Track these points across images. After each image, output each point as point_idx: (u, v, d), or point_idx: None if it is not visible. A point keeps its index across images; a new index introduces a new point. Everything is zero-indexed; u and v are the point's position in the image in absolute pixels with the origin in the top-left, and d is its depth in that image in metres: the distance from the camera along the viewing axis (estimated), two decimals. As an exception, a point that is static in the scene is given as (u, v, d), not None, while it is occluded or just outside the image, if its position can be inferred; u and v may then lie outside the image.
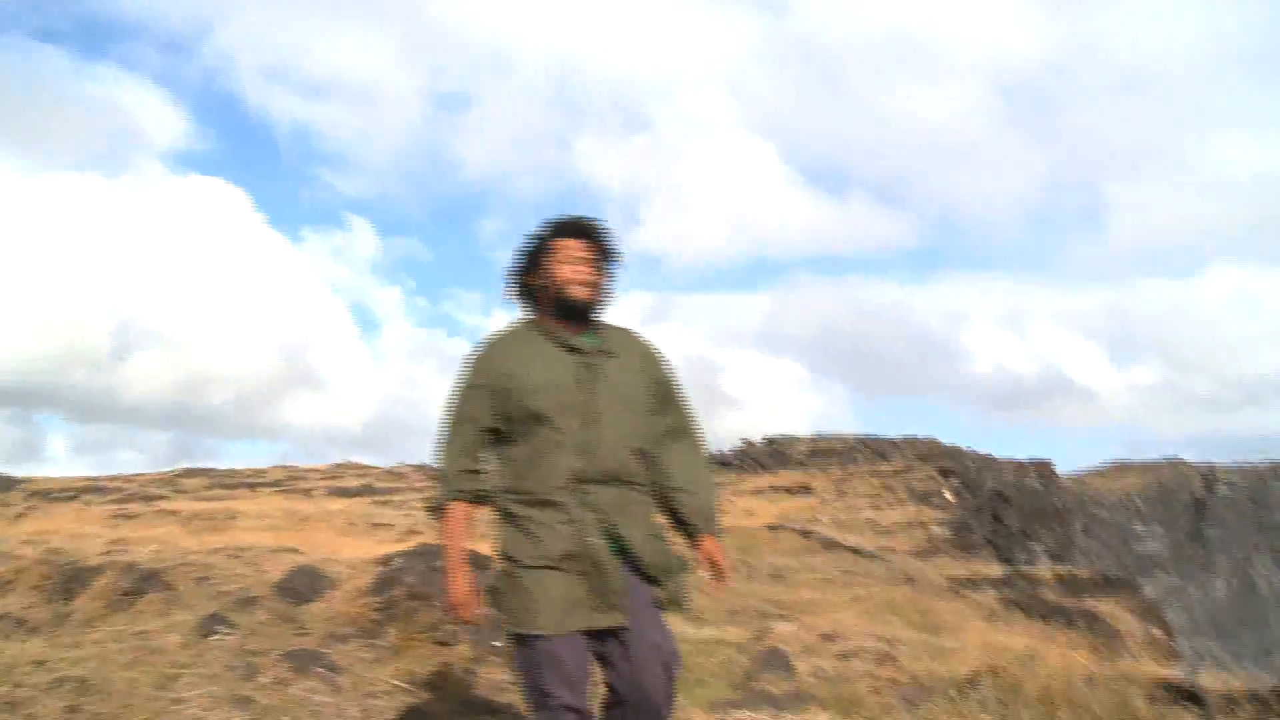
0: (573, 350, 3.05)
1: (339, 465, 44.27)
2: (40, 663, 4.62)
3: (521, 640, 2.91)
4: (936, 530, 23.90)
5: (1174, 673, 5.67)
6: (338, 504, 27.98)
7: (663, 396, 3.19)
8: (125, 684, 4.53)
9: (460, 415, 3.09)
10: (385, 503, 30.76)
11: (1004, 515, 29.64)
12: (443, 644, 5.67)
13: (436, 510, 3.09)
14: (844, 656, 6.48)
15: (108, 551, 6.79)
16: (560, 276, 3.06)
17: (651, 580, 3.02)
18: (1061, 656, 5.91)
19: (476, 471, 3.08)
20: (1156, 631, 12.57)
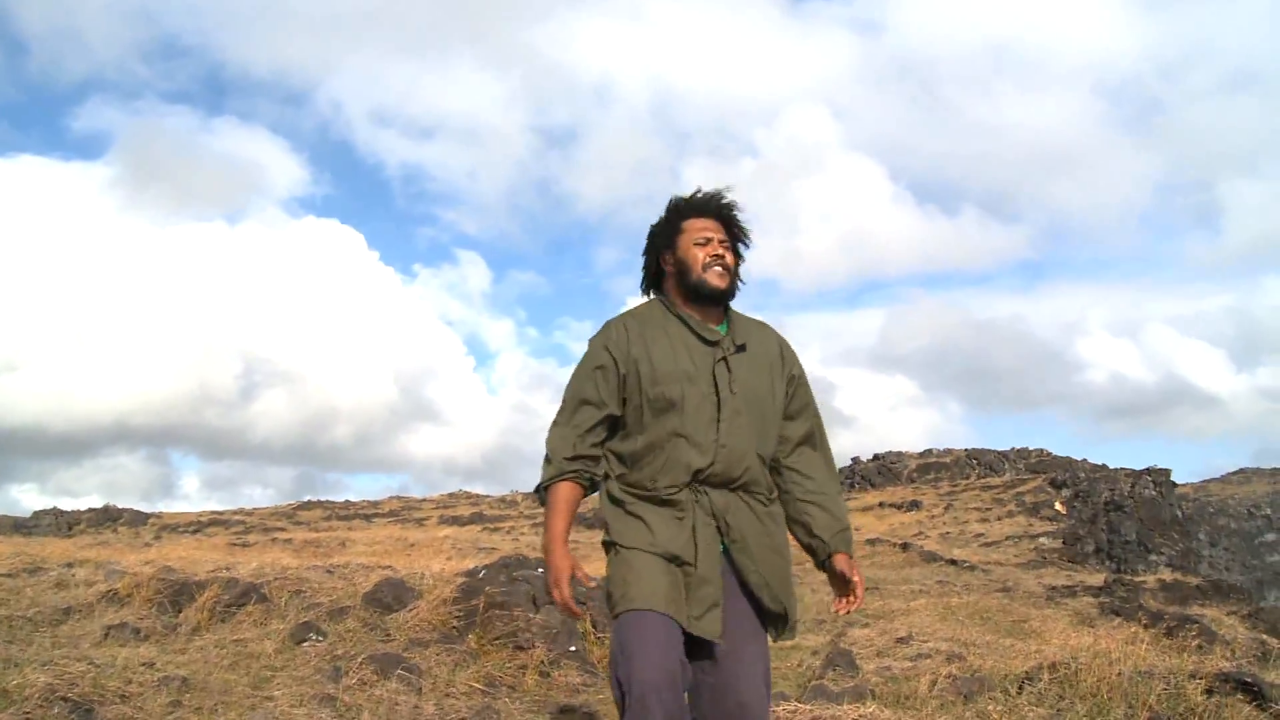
0: (707, 341, 2.86)
1: (452, 495, 45.44)
2: (149, 664, 5.07)
3: (621, 619, 2.67)
4: (1046, 542, 23.48)
5: (1235, 667, 5.65)
6: (447, 531, 28.80)
7: (796, 400, 3.00)
8: (222, 684, 4.95)
9: (580, 396, 2.88)
10: (495, 529, 31.53)
11: (1119, 525, 28.85)
12: (520, 648, 5.98)
13: (541, 491, 2.87)
14: (915, 658, 6.59)
15: (215, 570, 7.30)
16: (694, 260, 2.90)
17: (763, 603, 2.82)
18: (1126, 653, 5.94)
19: (589, 457, 2.87)
20: (1267, 638, 12.19)
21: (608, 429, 2.90)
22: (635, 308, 3.02)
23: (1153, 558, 29.16)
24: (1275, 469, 50.51)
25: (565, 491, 2.85)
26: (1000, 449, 38.24)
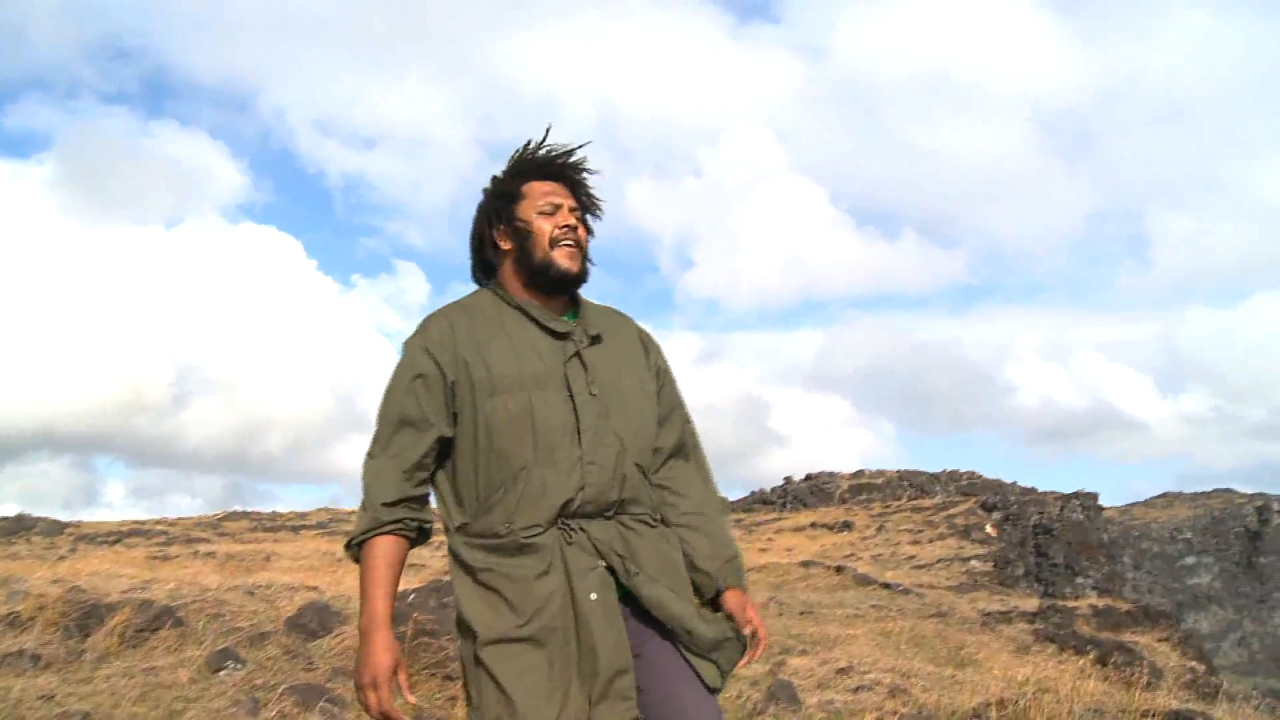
0: (555, 334, 2.27)
1: (381, 506, 44.62)
2: (48, 697, 4.72)
3: None
4: (977, 565, 23.63)
5: (1185, 705, 5.58)
6: (376, 544, 28.24)
7: (663, 401, 2.43)
8: (129, 717, 4.62)
9: (397, 417, 2.22)
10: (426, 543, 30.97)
11: (1048, 549, 29.18)
12: (450, 679, 5.71)
13: (354, 548, 2.21)
14: (856, 690, 6.44)
15: (129, 590, 6.92)
16: (539, 234, 2.31)
17: (688, 645, 2.22)
18: (1074, 688, 5.84)
19: (415, 499, 2.23)
20: (1196, 665, 12.30)
21: (437, 456, 2.25)
22: (461, 299, 2.38)
23: (1080, 580, 29.53)
24: (1197, 494, 51.64)
25: (386, 550, 2.18)
26: (932, 471, 38.51)
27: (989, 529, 28.50)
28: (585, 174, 2.44)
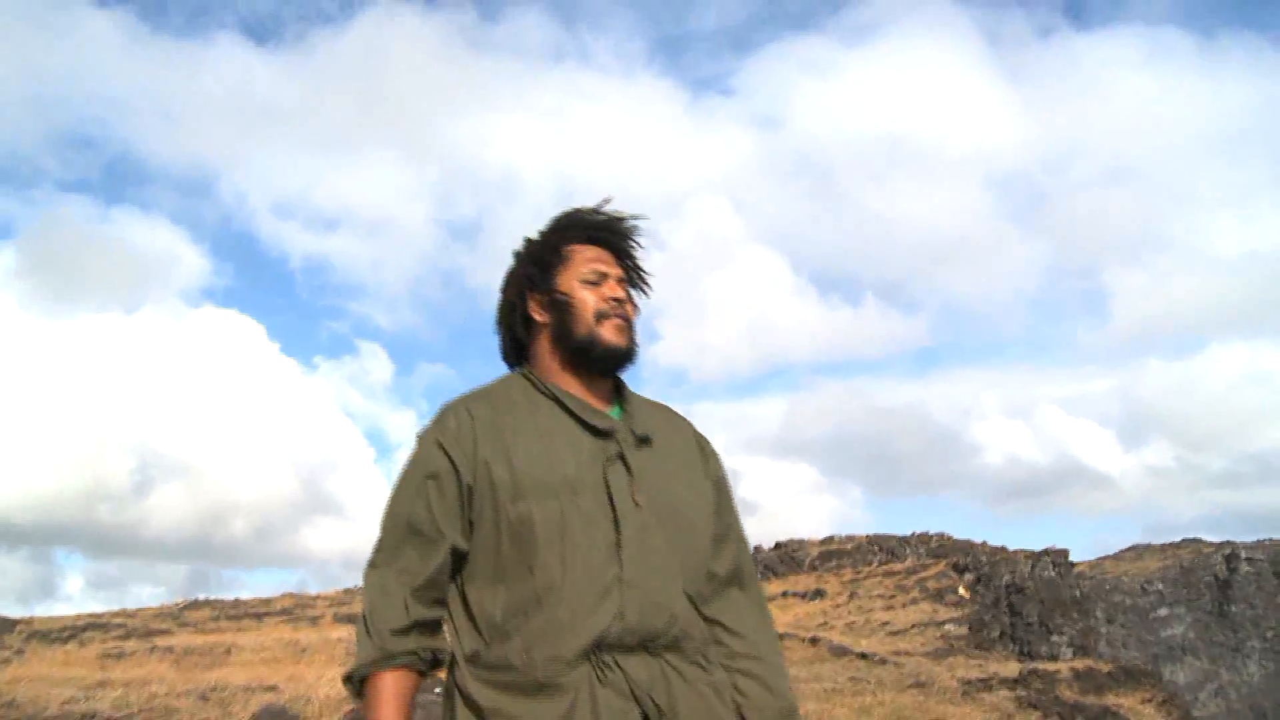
0: (595, 430, 1.91)
1: (348, 591, 43.79)
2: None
3: None
4: (952, 629, 23.40)
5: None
6: (342, 631, 27.58)
7: (721, 515, 2.05)
8: None
9: (405, 523, 1.89)
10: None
11: (1021, 608, 29.00)
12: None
13: (356, 682, 1.85)
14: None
15: (70, 700, 6.57)
16: (582, 306, 1.97)
17: None
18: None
19: (427, 624, 1.87)
20: (1181, 725, 12.12)
21: (451, 571, 1.89)
22: (484, 387, 2.01)
23: (1055, 639, 29.35)
24: (1165, 544, 51.79)
25: (395, 687, 1.81)
26: (901, 534, 38.33)
27: (962, 591, 28.32)
28: (636, 244, 2.10)
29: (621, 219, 2.08)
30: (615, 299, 1.99)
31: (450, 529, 1.86)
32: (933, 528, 38.82)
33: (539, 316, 2.01)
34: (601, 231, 2.06)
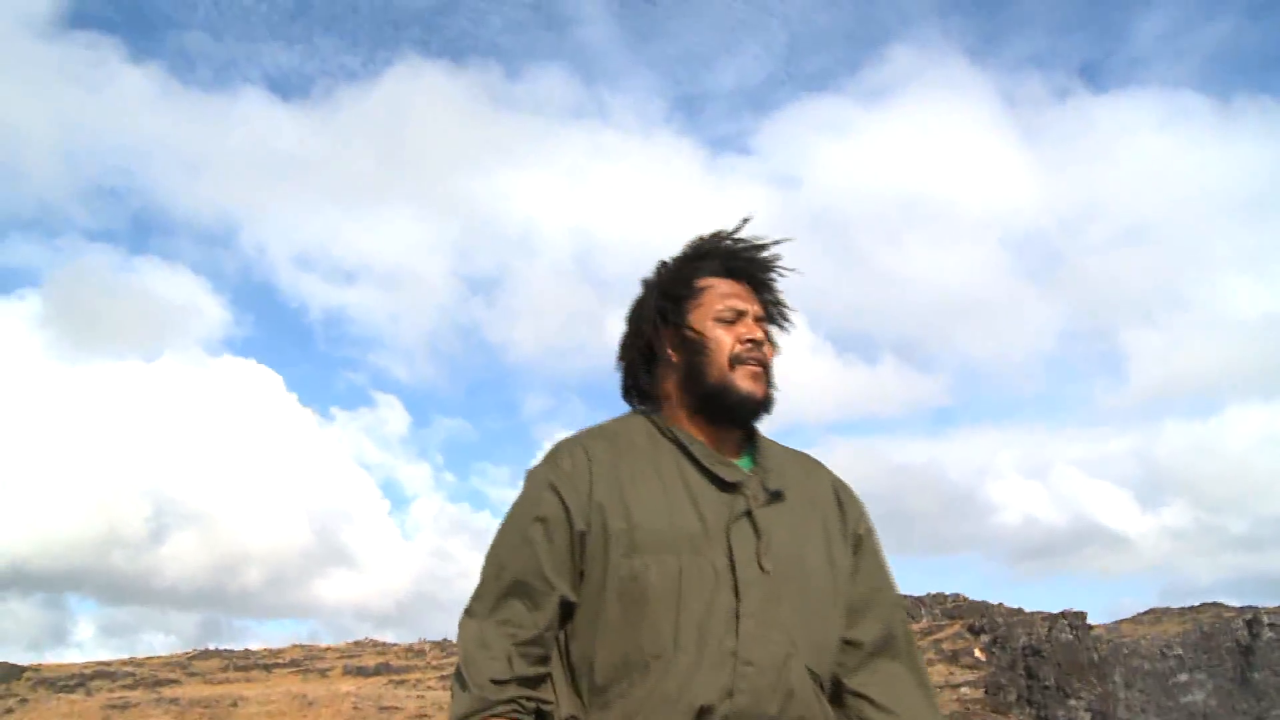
0: (723, 484, 1.72)
1: (358, 643, 43.59)
2: None
3: None
4: (968, 691, 23.11)
5: None
6: (349, 685, 27.48)
7: (864, 579, 1.83)
8: None
9: (510, 574, 1.71)
10: (401, 681, 30.15)
11: (1038, 671, 28.64)
12: None
13: None
14: None
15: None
16: (717, 347, 1.78)
17: None
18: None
19: (532, 679, 1.69)
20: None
21: (559, 623, 1.72)
22: (604, 425, 1.84)
23: (1072, 703, 28.92)
24: (1184, 608, 51.10)
25: None
26: (917, 594, 38.02)
27: (977, 652, 28.00)
28: (778, 275, 1.89)
29: (762, 247, 1.87)
30: (752, 340, 1.79)
31: (559, 580, 1.68)
32: (948, 588, 38.50)
33: (668, 354, 1.82)
34: (739, 262, 1.86)
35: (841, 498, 1.86)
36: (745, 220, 1.88)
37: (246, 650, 39.48)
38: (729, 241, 1.87)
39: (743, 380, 1.75)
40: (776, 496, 1.73)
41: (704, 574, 1.63)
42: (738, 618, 1.62)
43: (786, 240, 1.88)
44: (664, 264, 1.89)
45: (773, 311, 1.88)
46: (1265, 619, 48.79)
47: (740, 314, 1.80)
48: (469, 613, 1.73)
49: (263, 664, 35.20)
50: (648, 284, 1.90)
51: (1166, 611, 51.16)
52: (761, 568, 1.66)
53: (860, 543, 1.84)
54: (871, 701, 1.76)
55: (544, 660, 1.69)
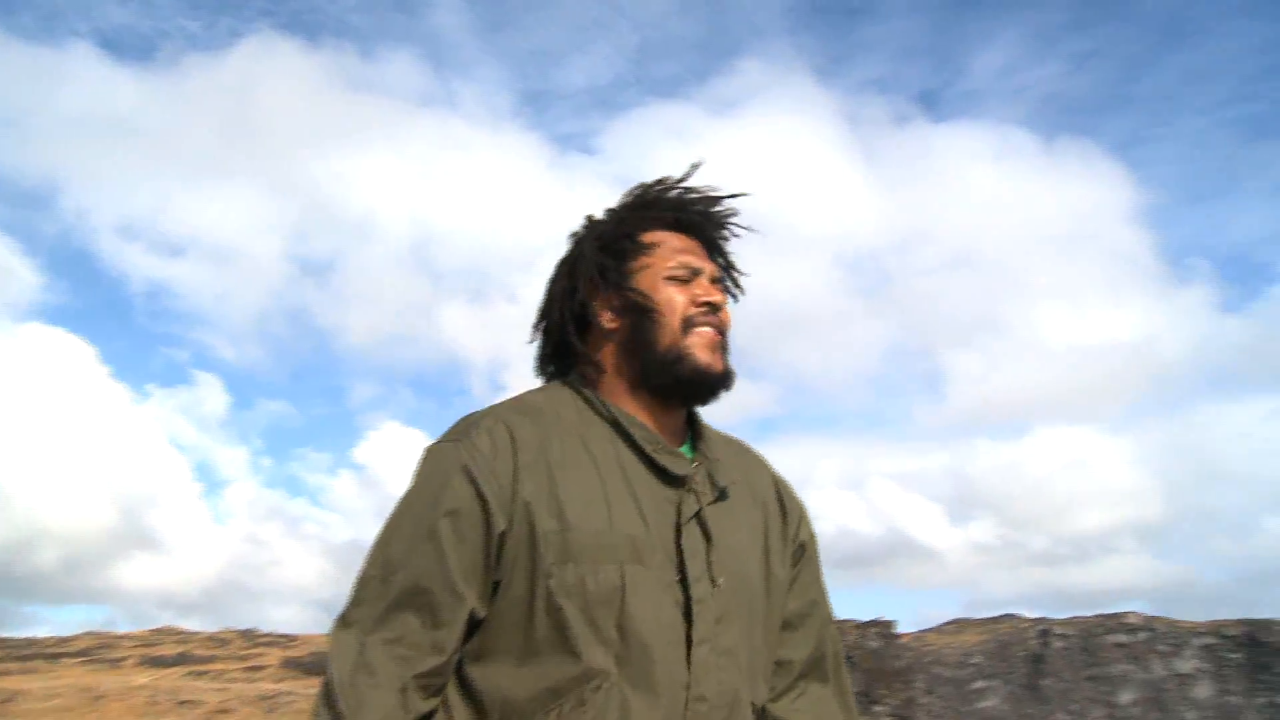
0: (668, 476, 1.43)
1: (157, 631, 41.39)
2: None
3: None
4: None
5: None
6: (144, 677, 25.91)
7: (800, 591, 1.59)
8: None
9: (404, 578, 1.35)
10: (201, 673, 28.70)
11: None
12: None
13: None
14: None
15: None
16: (668, 309, 1.49)
17: None
18: None
19: (427, 718, 1.37)
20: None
21: (460, 648, 1.38)
22: (525, 397, 1.52)
23: (877, 709, 29.87)
24: (984, 619, 53.51)
25: None
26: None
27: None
28: (734, 233, 1.61)
29: (718, 199, 1.58)
30: (709, 303, 1.50)
31: (469, 590, 1.34)
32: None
33: (607, 321, 1.51)
34: (692, 215, 1.56)
35: (784, 498, 1.61)
36: (696, 166, 1.59)
37: (30, 639, 36.99)
38: (679, 191, 1.57)
39: (699, 350, 1.46)
40: (723, 495, 1.46)
41: (649, 589, 1.34)
42: (689, 644, 1.34)
43: (743, 195, 1.60)
44: (599, 216, 1.59)
45: (725, 276, 1.60)
46: (1056, 629, 51.61)
47: (695, 272, 1.52)
48: (345, 622, 1.36)
49: (48, 653, 32.96)
50: (579, 238, 1.58)
51: (968, 622, 53.50)
52: (714, 581, 1.38)
53: (802, 551, 1.60)
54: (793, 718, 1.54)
55: (437, 693, 1.35)
